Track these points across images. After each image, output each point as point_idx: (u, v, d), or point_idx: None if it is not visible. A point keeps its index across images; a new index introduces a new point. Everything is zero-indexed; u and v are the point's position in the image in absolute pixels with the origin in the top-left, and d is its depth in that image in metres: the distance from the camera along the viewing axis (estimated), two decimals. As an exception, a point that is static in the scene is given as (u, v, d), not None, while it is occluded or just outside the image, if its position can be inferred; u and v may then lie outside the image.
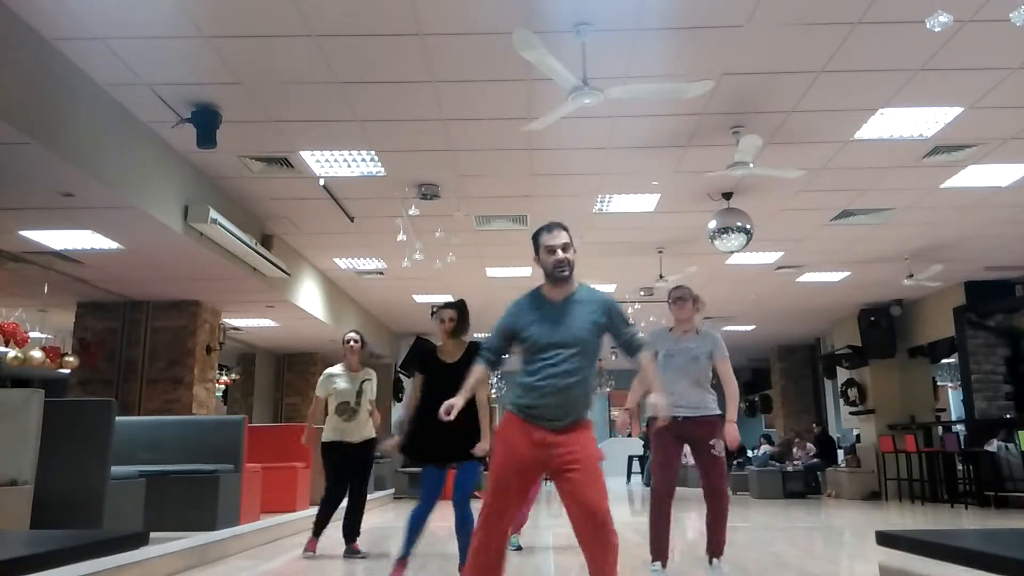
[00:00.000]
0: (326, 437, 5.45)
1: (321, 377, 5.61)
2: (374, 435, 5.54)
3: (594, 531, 2.66)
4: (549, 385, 2.76)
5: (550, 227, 2.87)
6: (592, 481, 2.70)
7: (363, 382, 5.56)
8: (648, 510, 4.30)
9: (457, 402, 2.84)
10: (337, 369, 5.60)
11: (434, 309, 12.08)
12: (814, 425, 13.34)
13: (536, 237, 2.90)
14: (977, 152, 6.03)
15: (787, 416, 15.50)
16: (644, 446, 15.08)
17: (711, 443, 4.21)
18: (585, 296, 2.88)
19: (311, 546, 5.36)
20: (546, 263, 2.85)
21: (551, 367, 2.78)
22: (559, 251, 2.81)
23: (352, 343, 5.55)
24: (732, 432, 4.22)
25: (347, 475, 5.40)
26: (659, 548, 4.21)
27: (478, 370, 2.95)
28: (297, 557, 5.31)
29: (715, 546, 4.26)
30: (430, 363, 4.32)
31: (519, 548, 5.50)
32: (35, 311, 9.10)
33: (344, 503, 5.42)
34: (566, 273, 2.83)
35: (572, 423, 2.79)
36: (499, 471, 2.79)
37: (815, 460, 12.38)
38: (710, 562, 4.26)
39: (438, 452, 4.14)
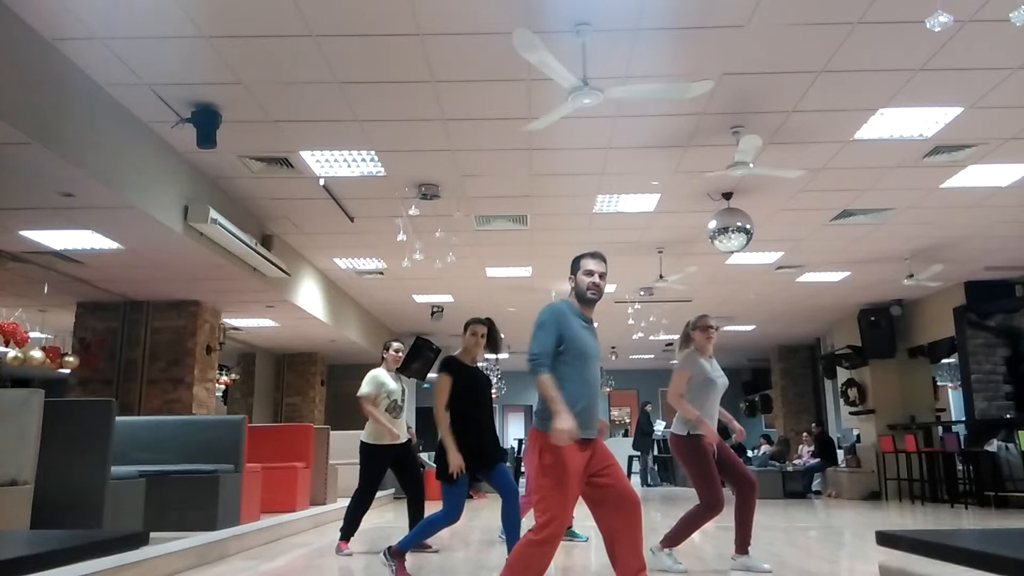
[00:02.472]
0: (378, 440, 5.44)
1: (368, 377, 5.61)
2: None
3: (635, 513, 2.88)
4: (587, 395, 2.96)
5: (595, 254, 3.14)
6: (622, 474, 2.97)
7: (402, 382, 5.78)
8: (701, 515, 4.47)
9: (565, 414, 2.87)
10: (381, 371, 5.67)
11: (434, 309, 12.10)
12: (813, 425, 13.35)
13: (579, 259, 3.14)
14: (977, 152, 6.03)
15: (787, 416, 15.50)
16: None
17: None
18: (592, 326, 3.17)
19: (343, 546, 5.44)
20: (582, 283, 3.09)
21: (589, 378, 2.99)
22: (597, 277, 3.07)
23: (398, 352, 5.77)
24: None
25: (380, 475, 5.50)
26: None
27: (548, 379, 2.89)
28: (297, 557, 5.31)
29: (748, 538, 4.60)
30: (461, 369, 4.41)
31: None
32: (35, 311, 9.10)
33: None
34: (597, 297, 3.09)
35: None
36: (567, 489, 2.82)
37: (814, 460, 12.38)
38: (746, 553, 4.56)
39: (488, 456, 4.38)
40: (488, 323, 4.56)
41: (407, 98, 5.06)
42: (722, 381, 4.64)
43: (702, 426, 4.41)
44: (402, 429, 5.57)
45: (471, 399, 4.35)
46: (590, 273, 3.07)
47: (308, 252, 8.86)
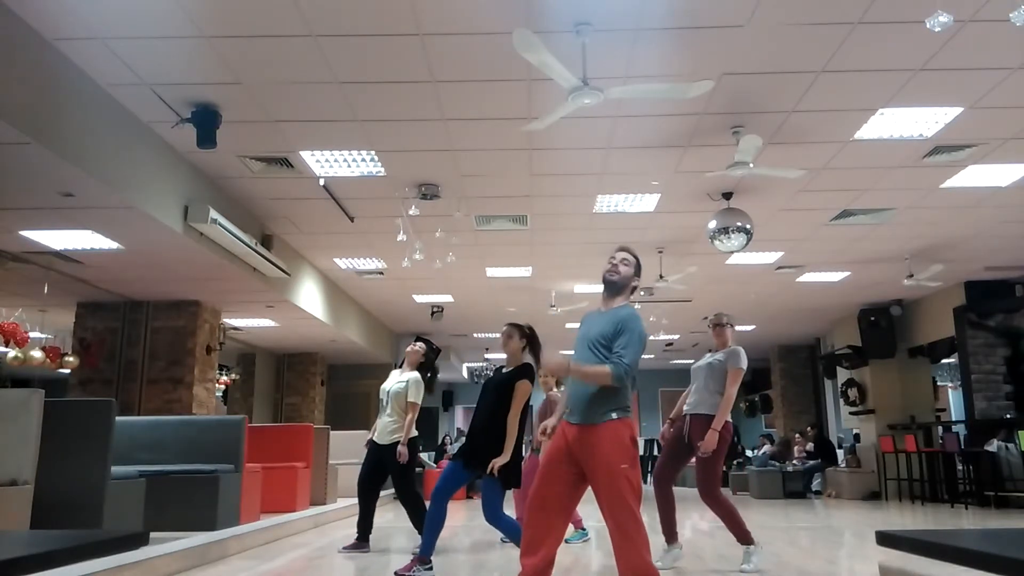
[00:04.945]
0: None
1: None
2: (397, 439, 5.44)
3: (615, 536, 2.88)
4: (571, 383, 3.14)
5: (619, 248, 3.29)
6: (607, 496, 2.92)
7: (397, 382, 5.61)
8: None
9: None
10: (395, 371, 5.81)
11: (434, 309, 12.10)
12: (808, 429, 13.32)
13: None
14: (977, 152, 6.03)
15: (787, 416, 15.51)
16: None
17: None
18: (618, 311, 3.14)
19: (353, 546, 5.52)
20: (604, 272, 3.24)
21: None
22: (614, 260, 3.20)
23: (409, 347, 5.79)
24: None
25: (373, 476, 5.52)
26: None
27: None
28: (297, 557, 5.31)
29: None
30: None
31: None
32: (35, 311, 9.10)
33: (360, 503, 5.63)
34: (614, 277, 3.18)
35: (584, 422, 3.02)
36: (543, 463, 3.09)
37: (811, 462, 12.38)
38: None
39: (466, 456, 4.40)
40: (515, 328, 4.51)
41: (407, 98, 5.06)
42: (696, 365, 4.95)
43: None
44: (379, 427, 5.54)
45: (477, 403, 4.55)
46: (610, 259, 3.23)
47: (308, 252, 8.86)
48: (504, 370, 4.48)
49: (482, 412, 4.41)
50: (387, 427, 5.49)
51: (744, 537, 4.60)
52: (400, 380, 5.59)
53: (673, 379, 19.98)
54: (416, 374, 5.62)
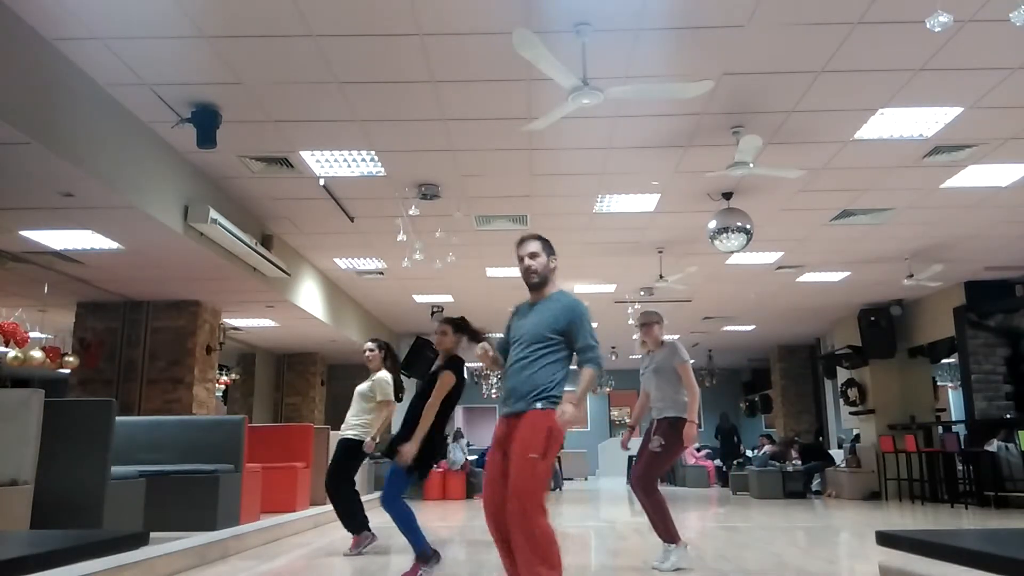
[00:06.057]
0: None
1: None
2: (350, 436, 5.70)
3: (511, 506, 2.90)
4: (509, 376, 3.16)
5: (520, 240, 3.26)
6: (514, 469, 2.95)
7: (365, 382, 5.80)
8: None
9: None
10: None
11: (434, 309, 12.09)
12: (795, 437, 13.34)
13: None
14: (977, 152, 6.03)
15: (787, 416, 15.51)
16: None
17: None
18: (557, 299, 3.20)
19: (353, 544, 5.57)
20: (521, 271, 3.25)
21: (512, 361, 3.16)
22: (525, 260, 3.21)
23: (366, 352, 5.88)
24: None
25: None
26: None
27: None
28: (297, 557, 5.31)
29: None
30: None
31: None
32: (35, 311, 9.10)
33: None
34: (533, 279, 3.21)
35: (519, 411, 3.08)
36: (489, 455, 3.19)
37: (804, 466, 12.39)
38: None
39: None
40: (448, 324, 4.57)
41: (407, 98, 5.06)
42: (645, 375, 5.17)
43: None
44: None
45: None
46: (520, 260, 3.23)
47: (308, 252, 8.86)
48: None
49: (414, 408, 4.48)
50: (348, 422, 5.74)
51: (671, 536, 4.66)
52: (368, 381, 5.78)
53: (673, 379, 19.97)
54: (382, 373, 5.75)
